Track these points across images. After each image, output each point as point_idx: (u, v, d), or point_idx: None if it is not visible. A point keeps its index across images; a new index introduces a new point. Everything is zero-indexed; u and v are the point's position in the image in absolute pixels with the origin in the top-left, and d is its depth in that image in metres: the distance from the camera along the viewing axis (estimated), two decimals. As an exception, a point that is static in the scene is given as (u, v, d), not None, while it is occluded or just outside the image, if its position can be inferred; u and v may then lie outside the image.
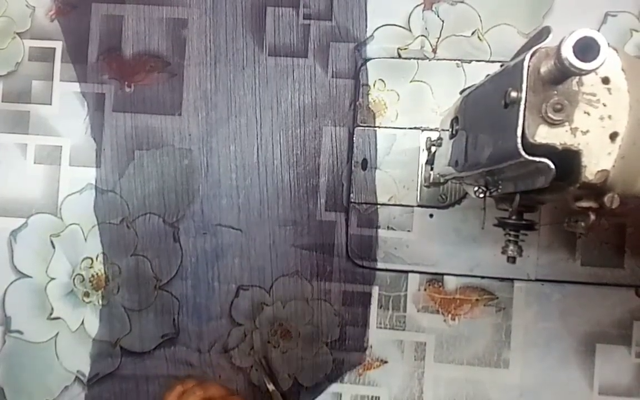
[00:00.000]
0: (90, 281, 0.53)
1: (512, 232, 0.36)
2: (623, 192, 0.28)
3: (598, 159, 0.27)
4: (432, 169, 0.46)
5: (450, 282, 0.51)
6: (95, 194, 0.54)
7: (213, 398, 0.46)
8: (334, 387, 0.51)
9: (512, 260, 0.36)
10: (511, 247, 0.36)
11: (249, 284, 0.52)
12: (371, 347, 0.51)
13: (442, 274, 0.51)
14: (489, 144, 0.31)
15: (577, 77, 0.27)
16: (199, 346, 0.52)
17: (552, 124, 0.27)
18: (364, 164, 0.52)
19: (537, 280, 0.50)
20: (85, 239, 0.53)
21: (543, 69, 0.27)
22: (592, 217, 0.30)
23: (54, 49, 0.54)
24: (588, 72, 0.24)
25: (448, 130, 0.40)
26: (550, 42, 0.28)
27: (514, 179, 0.33)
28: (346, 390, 0.51)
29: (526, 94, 0.27)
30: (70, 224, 0.54)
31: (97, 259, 0.53)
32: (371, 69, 0.52)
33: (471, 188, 0.37)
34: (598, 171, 0.27)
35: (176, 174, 0.53)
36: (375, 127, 0.52)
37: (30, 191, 0.54)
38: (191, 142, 0.53)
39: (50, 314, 0.53)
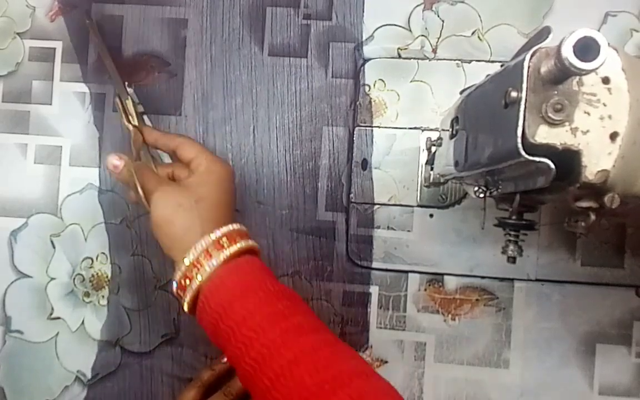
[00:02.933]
0: (90, 281, 0.53)
1: (512, 232, 0.36)
2: (623, 192, 0.28)
3: (598, 159, 0.27)
4: (432, 169, 0.46)
5: (451, 282, 0.51)
6: (96, 194, 0.54)
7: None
8: (334, 387, 0.51)
9: (512, 260, 0.36)
10: (511, 247, 0.36)
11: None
12: (371, 347, 0.51)
13: (442, 274, 0.51)
14: (489, 144, 0.31)
15: (577, 77, 0.27)
16: (198, 345, 0.52)
17: (552, 124, 0.27)
18: (364, 164, 0.52)
19: (537, 280, 0.50)
20: (86, 239, 0.53)
21: (543, 69, 0.27)
22: (593, 217, 0.30)
23: (54, 49, 0.54)
24: (588, 72, 0.24)
25: (448, 130, 0.40)
26: (550, 42, 0.28)
27: (514, 179, 0.33)
28: (346, 390, 0.51)
29: (526, 94, 0.27)
30: (71, 224, 0.54)
31: (97, 259, 0.53)
32: (371, 69, 0.52)
33: (471, 188, 0.37)
34: (598, 171, 0.27)
35: (176, 174, 0.53)
36: (375, 127, 0.52)
37: (31, 191, 0.54)
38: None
39: (51, 314, 0.53)
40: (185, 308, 0.41)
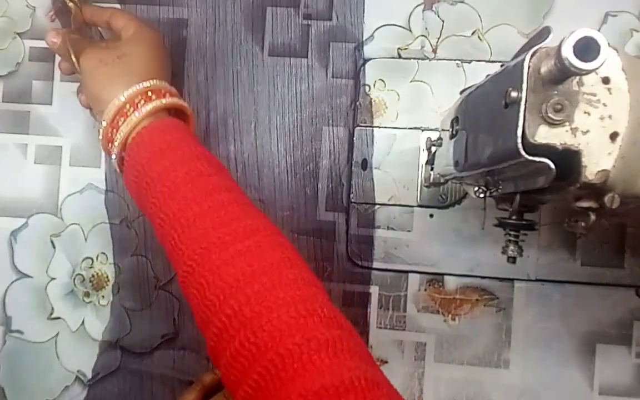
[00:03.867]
0: (90, 281, 0.53)
1: (512, 232, 0.36)
2: (623, 192, 0.28)
3: (598, 159, 0.27)
4: (432, 169, 0.46)
5: (451, 282, 0.51)
6: (96, 194, 0.54)
7: None
8: (334, 387, 0.51)
9: (512, 260, 0.36)
10: (511, 247, 0.36)
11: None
12: (371, 347, 0.51)
13: (442, 274, 0.51)
14: (489, 144, 0.31)
15: (578, 77, 0.27)
16: (199, 346, 0.52)
17: (553, 124, 0.27)
18: (364, 164, 0.52)
19: (537, 280, 0.50)
20: (86, 239, 0.53)
21: (543, 69, 0.27)
22: (593, 217, 0.30)
23: (54, 49, 0.54)
24: (588, 72, 0.24)
25: (448, 130, 0.40)
26: (550, 42, 0.28)
27: (514, 179, 0.33)
28: (346, 390, 0.51)
29: (526, 94, 0.27)
30: (71, 224, 0.54)
31: (97, 259, 0.53)
32: (371, 69, 0.52)
33: (471, 188, 0.37)
34: (598, 171, 0.27)
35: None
36: (375, 127, 0.52)
37: (31, 191, 0.54)
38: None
39: (51, 314, 0.53)
40: (115, 163, 0.42)
